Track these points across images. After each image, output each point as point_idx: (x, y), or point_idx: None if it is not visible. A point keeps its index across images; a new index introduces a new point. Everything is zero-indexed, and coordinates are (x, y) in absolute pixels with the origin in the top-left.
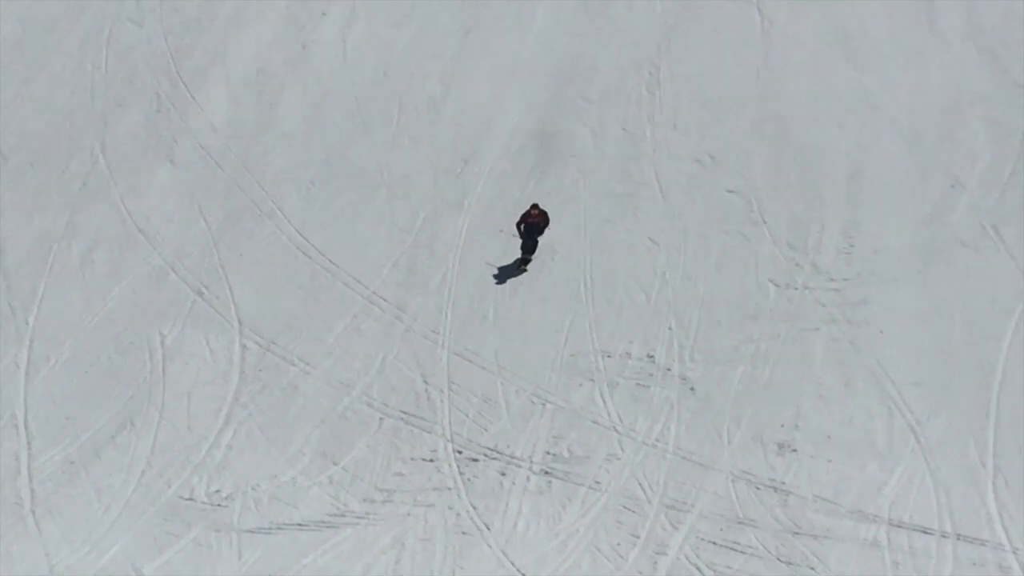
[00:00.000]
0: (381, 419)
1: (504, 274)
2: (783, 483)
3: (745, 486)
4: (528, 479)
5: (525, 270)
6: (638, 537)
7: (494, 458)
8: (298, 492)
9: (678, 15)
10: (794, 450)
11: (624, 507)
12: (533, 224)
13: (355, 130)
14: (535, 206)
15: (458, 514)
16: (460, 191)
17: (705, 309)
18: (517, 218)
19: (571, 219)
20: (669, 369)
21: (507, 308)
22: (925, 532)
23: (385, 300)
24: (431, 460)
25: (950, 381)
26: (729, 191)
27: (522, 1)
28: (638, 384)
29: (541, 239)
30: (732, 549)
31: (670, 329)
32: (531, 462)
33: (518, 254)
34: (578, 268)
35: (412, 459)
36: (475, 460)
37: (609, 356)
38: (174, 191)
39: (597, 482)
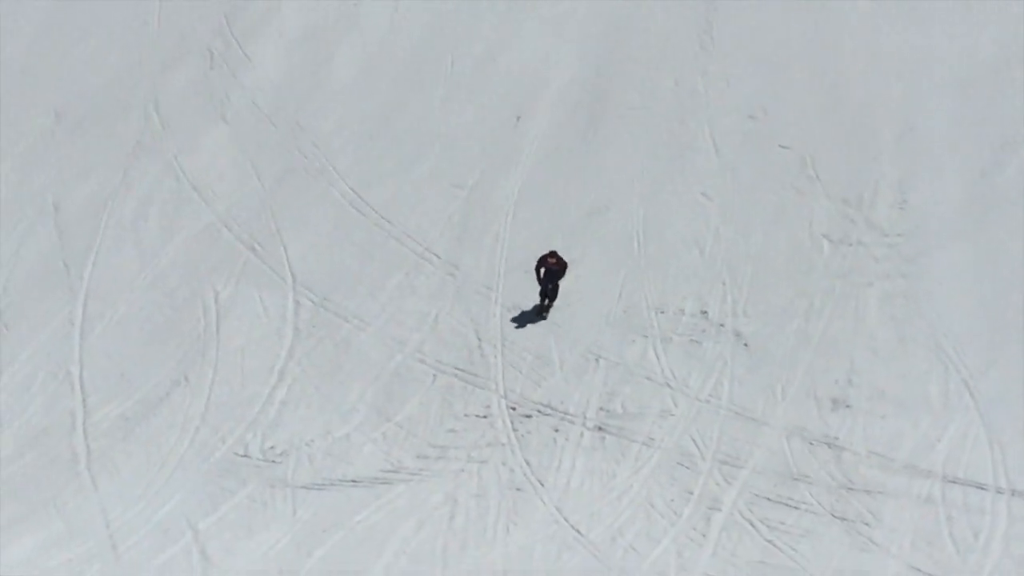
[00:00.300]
0: (434, 375)
1: (524, 318)
2: (837, 439)
3: (799, 442)
4: (582, 435)
5: (544, 317)
6: (692, 493)
7: (547, 414)
8: (352, 448)
9: None
10: (848, 406)
11: (678, 463)
12: (553, 271)
13: (407, 87)
14: (553, 253)
15: (512, 470)
16: (513, 147)
17: (758, 265)
18: (537, 260)
19: (624, 175)
20: (723, 325)
21: None
22: (980, 488)
23: (438, 256)
24: (484, 416)
25: (1004, 336)
26: (782, 146)
27: None
28: (691, 340)
29: (562, 283)
30: (786, 505)
31: (723, 285)
32: (585, 418)
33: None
34: (631, 224)
35: (465, 415)
36: (528, 416)
37: (662, 312)
38: (227, 149)
39: (651, 438)
